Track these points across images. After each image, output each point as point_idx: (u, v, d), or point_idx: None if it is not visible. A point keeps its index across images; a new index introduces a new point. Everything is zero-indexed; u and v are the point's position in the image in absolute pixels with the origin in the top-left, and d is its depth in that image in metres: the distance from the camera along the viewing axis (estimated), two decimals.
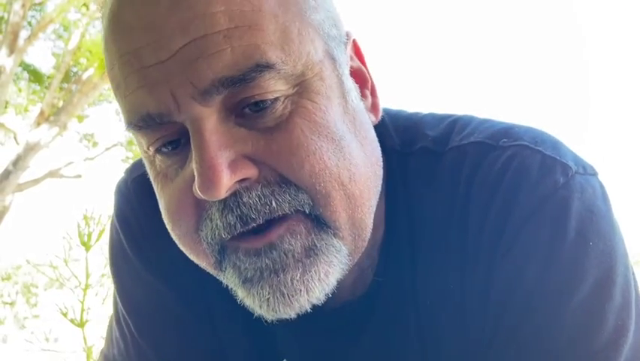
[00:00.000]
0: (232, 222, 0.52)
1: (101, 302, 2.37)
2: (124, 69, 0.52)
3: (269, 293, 0.53)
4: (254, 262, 0.53)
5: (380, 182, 0.60)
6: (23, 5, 7.44)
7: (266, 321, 0.57)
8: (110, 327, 0.77)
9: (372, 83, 0.63)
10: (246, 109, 0.52)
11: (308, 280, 0.53)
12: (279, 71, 0.50)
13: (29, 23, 8.53)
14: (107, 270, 0.80)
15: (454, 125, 0.66)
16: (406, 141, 0.67)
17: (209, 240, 0.54)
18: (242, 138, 0.52)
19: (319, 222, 0.53)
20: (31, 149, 8.09)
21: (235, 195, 0.52)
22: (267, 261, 0.53)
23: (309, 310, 0.55)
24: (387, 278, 0.65)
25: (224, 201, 0.52)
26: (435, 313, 0.62)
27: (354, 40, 0.63)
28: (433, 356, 0.64)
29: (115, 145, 10.33)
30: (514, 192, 0.57)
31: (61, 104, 8.91)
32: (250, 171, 0.52)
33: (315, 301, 0.54)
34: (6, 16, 8.02)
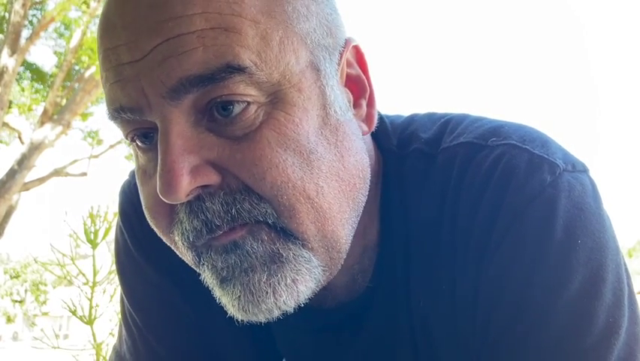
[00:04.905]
0: (198, 228, 0.52)
1: (109, 299, 2.39)
2: (104, 64, 0.54)
3: (240, 292, 0.53)
4: (225, 260, 0.53)
5: (363, 194, 0.60)
6: (24, 4, 7.45)
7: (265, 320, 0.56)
8: (120, 325, 0.80)
9: (371, 92, 0.62)
10: (215, 112, 0.51)
11: (275, 284, 0.53)
12: (251, 75, 0.50)
13: (30, 22, 8.55)
14: (114, 267, 0.82)
15: (446, 125, 0.66)
16: (401, 143, 0.66)
17: (181, 242, 0.55)
18: (208, 144, 0.52)
19: (285, 233, 0.53)
20: (35, 148, 8.12)
21: (199, 199, 0.52)
22: (234, 258, 0.53)
23: (279, 315, 0.55)
24: (382, 280, 0.65)
25: (190, 205, 0.52)
26: (427, 314, 0.63)
27: (356, 47, 0.61)
28: (426, 356, 0.64)
29: (119, 142, 10.35)
30: (502, 191, 0.56)
31: (64, 102, 8.94)
32: (212, 178, 0.52)
33: (284, 307, 0.54)
34: (7, 15, 8.03)
